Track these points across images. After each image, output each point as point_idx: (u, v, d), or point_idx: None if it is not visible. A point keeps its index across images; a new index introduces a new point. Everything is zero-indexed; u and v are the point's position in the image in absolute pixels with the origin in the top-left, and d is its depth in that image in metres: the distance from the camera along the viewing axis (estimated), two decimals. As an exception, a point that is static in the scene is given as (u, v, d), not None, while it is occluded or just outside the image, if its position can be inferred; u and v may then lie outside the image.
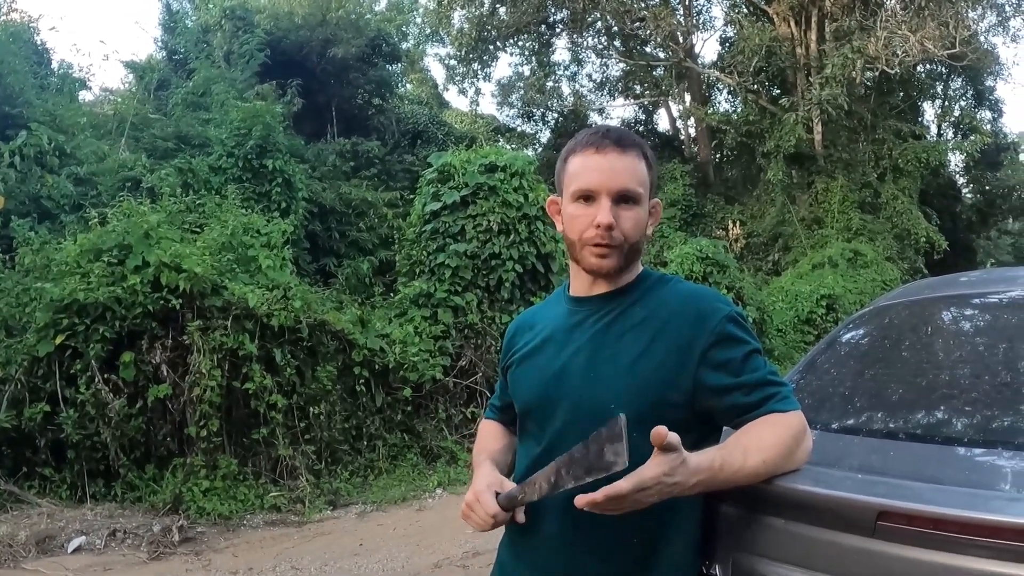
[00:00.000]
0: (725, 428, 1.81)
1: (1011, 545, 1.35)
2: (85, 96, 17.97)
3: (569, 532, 1.77)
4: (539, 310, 2.15)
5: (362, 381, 8.46)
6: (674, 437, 1.46)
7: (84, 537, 6.26)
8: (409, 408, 8.97)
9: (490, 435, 2.21)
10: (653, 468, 1.47)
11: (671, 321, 1.78)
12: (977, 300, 2.78)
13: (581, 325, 1.89)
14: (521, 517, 1.83)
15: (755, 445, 1.64)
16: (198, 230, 8.72)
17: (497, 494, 1.82)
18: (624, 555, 1.74)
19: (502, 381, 2.17)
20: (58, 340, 7.03)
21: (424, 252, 10.16)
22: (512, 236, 9.97)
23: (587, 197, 1.81)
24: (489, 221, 9.88)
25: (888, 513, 1.48)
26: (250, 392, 7.37)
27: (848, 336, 2.97)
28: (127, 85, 19.66)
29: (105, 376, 7.05)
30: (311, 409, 7.84)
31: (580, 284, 1.94)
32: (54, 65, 17.04)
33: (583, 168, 1.83)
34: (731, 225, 23.61)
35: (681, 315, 1.78)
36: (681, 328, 1.76)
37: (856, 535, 1.54)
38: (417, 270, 10.27)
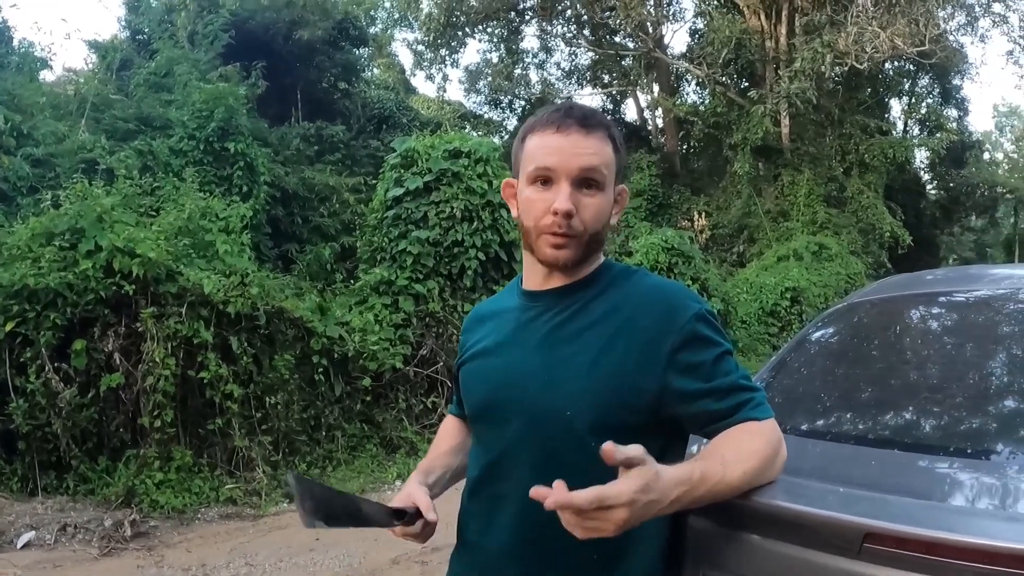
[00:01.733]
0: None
1: (1008, 572, 1.23)
2: (47, 76, 17.68)
3: (522, 546, 1.63)
4: (492, 303, 1.98)
5: (321, 370, 8.30)
6: (635, 449, 1.30)
7: (34, 532, 6.06)
8: (368, 398, 8.84)
9: (444, 434, 2.05)
10: (623, 484, 1.28)
11: (635, 318, 1.61)
12: (944, 299, 2.69)
13: (535, 322, 1.73)
14: (432, 516, 1.70)
15: (734, 456, 1.50)
16: (154, 214, 8.50)
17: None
18: (582, 571, 1.59)
19: (456, 382, 2.01)
20: (8, 327, 6.78)
21: (386, 239, 10.01)
22: (475, 223, 9.85)
23: (545, 180, 1.65)
24: (452, 208, 9.76)
25: (876, 535, 1.36)
26: (205, 381, 7.18)
27: (819, 335, 2.87)
28: (90, 65, 19.26)
29: (56, 365, 6.82)
30: (268, 399, 7.66)
31: (534, 277, 1.77)
32: (15, 44, 16.69)
33: (542, 148, 1.66)
34: (697, 216, 23.63)
35: (646, 312, 1.62)
36: (646, 327, 1.60)
37: (839, 556, 1.42)
38: (378, 257, 10.12)
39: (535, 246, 1.69)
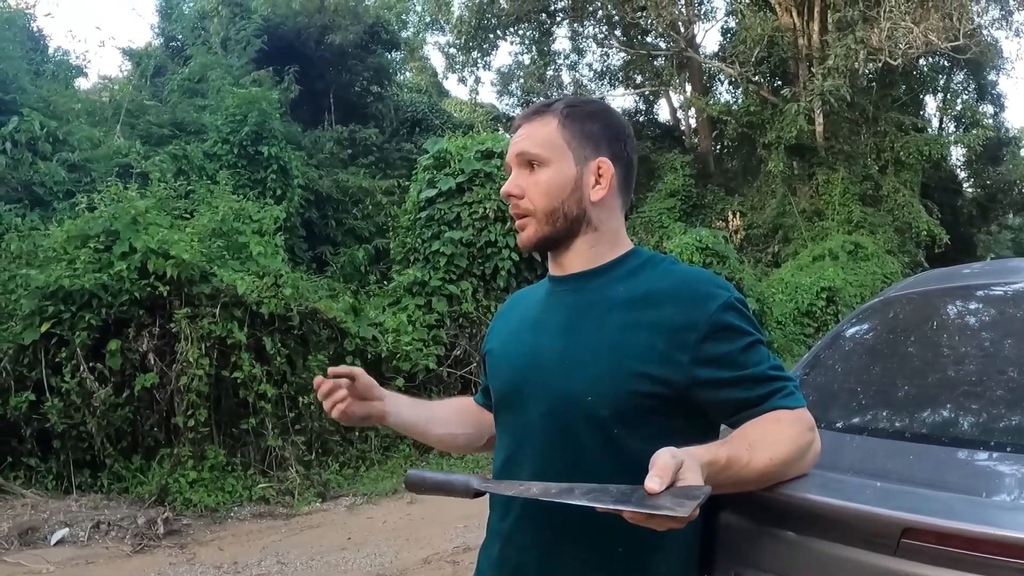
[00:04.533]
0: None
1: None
2: (82, 83, 17.92)
3: (544, 540, 1.58)
4: (525, 293, 1.96)
5: (354, 370, 8.30)
6: (663, 458, 1.23)
7: (67, 529, 6.14)
8: (402, 399, 8.80)
9: (452, 401, 2.12)
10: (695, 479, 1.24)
11: (660, 307, 1.56)
12: (982, 292, 2.62)
13: (557, 306, 1.70)
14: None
15: (761, 441, 1.44)
16: (188, 216, 8.57)
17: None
18: (606, 566, 1.54)
19: (483, 367, 1.98)
20: (44, 328, 6.90)
21: (419, 240, 10.04)
22: (508, 224, 9.82)
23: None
24: (485, 208, 9.76)
25: (915, 530, 1.31)
26: (239, 381, 7.25)
27: (854, 330, 2.81)
28: (125, 72, 19.49)
29: (91, 364, 6.92)
30: (301, 399, 7.71)
31: (553, 264, 1.77)
32: (50, 52, 16.91)
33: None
34: (731, 216, 23.41)
35: (672, 301, 1.56)
36: (672, 315, 1.54)
37: (876, 552, 1.37)
38: (412, 258, 10.15)
39: None
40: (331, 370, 1.79)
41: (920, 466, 1.75)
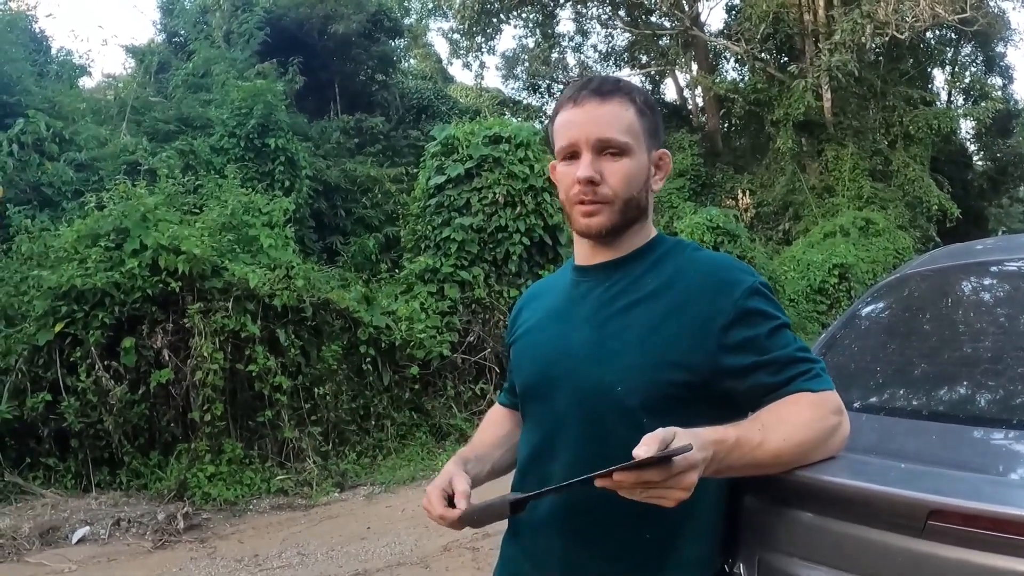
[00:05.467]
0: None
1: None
2: (86, 83, 17.82)
3: (569, 525, 1.59)
4: (547, 282, 1.97)
5: (368, 360, 8.35)
6: (661, 434, 1.25)
7: (88, 527, 6.16)
8: (417, 386, 8.86)
9: (488, 424, 2.02)
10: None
11: (687, 294, 1.57)
12: (997, 268, 2.60)
13: (586, 297, 1.69)
14: (462, 505, 1.59)
15: (775, 423, 1.44)
16: (198, 211, 8.57)
17: (449, 496, 1.61)
18: (633, 553, 1.55)
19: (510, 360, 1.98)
20: (57, 328, 6.91)
21: (429, 227, 10.02)
22: (519, 208, 9.83)
23: (572, 154, 1.65)
24: (495, 193, 9.74)
25: (942, 512, 1.30)
26: (254, 374, 7.25)
27: (869, 309, 2.79)
28: (128, 70, 19.44)
29: (106, 363, 6.94)
30: (317, 390, 7.73)
31: (583, 252, 1.75)
32: (53, 52, 16.89)
33: (563, 124, 1.66)
34: (741, 195, 23.34)
35: (698, 287, 1.57)
36: (698, 302, 1.55)
37: (902, 535, 1.36)
38: (422, 245, 10.15)
39: (571, 218, 1.68)
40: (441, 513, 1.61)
41: (942, 446, 1.74)
